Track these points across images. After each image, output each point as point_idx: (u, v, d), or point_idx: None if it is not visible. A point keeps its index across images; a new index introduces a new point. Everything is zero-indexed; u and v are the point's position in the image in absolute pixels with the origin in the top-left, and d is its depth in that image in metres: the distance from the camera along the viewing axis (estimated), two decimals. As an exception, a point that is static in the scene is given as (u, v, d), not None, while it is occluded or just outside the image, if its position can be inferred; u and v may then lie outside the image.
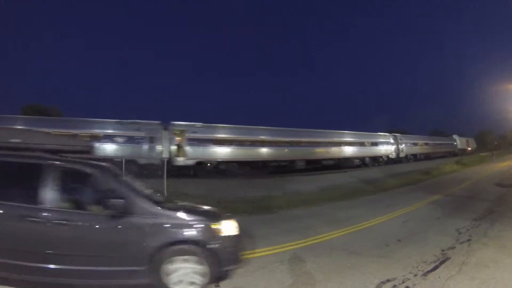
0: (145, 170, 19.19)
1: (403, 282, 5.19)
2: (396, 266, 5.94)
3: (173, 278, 4.64)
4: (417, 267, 5.86)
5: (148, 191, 5.64)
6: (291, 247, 7.36)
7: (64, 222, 4.52)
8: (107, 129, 21.10)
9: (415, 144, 42.94)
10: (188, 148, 22.69)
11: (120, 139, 20.92)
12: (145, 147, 21.68)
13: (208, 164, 23.96)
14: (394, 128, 54.59)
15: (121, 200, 4.61)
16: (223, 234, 5.01)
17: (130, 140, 21.41)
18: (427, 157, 43.28)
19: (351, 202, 14.57)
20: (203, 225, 4.96)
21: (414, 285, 5.08)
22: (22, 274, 4.45)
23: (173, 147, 22.46)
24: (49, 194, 4.62)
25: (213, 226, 5.00)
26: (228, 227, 5.15)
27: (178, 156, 22.32)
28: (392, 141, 38.16)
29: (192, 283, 4.70)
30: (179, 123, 23.37)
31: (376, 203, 14.00)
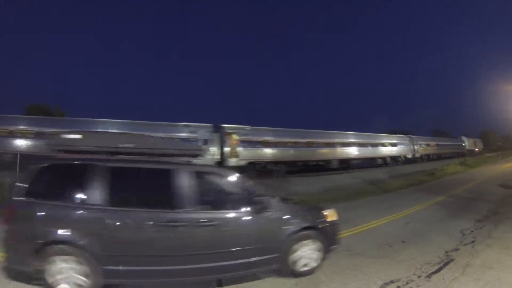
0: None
1: (406, 283, 5.17)
2: (400, 267, 5.92)
3: (297, 259, 5.52)
4: (420, 268, 5.83)
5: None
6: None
7: (210, 222, 4.88)
8: (161, 132, 21.15)
9: (427, 145, 44.23)
10: (240, 150, 23.70)
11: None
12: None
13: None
14: (395, 129, 54.86)
15: (266, 197, 5.33)
16: (329, 219, 6.08)
17: (185, 142, 21.20)
18: (438, 157, 44.53)
19: (355, 203, 14.51)
20: (318, 214, 6.12)
21: (418, 286, 5.06)
22: (174, 277, 4.78)
23: (227, 149, 23.24)
24: (190, 198, 4.91)
25: (324, 213, 6.12)
26: (332, 214, 6.21)
27: (231, 157, 23.14)
28: (407, 142, 39.67)
29: (312, 258, 5.65)
30: (230, 126, 24.14)
31: (379, 204, 13.94)
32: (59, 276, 4.42)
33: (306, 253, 5.60)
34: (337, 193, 16.59)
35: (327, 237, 5.89)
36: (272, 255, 5.26)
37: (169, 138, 19.11)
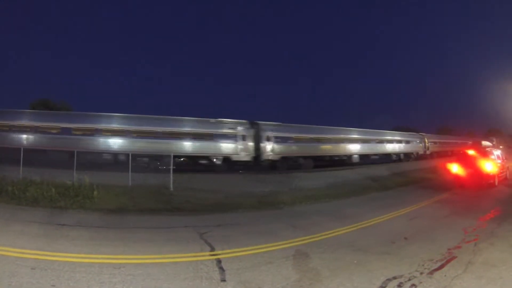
0: (236, 165, 23.17)
1: (409, 279, 5.19)
2: (402, 264, 5.94)
3: None
4: (423, 265, 5.85)
5: None
6: (297, 243, 7.38)
7: None
8: (205, 128, 23.11)
9: (435, 143, 45.71)
10: (275, 145, 25.41)
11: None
12: (240, 144, 23.71)
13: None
14: (398, 126, 55.57)
15: None
16: None
17: (226, 138, 23.48)
18: (448, 154, 44.92)
19: (358, 199, 14.56)
20: None
21: (421, 282, 5.08)
22: None
23: (263, 144, 24.86)
24: None
25: None
26: None
27: (267, 152, 24.94)
28: (419, 140, 41.78)
29: None
30: (265, 123, 25.84)
31: (382, 201, 13.96)
32: None
33: None
34: (340, 189, 16.61)
35: None
36: None
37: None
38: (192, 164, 22.68)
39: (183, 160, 22.76)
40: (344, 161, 30.27)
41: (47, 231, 7.47)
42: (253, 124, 24.99)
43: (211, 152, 22.83)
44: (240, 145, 23.65)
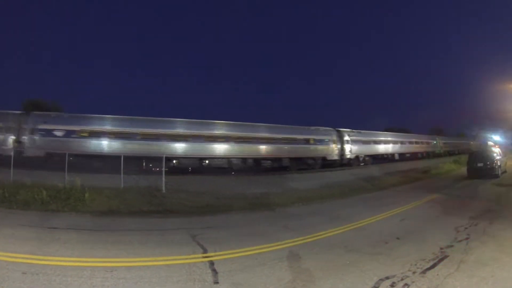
0: (327, 164, 28.23)
1: (401, 279, 5.20)
2: (395, 264, 5.96)
3: None
4: (415, 264, 5.87)
5: None
6: (290, 244, 7.37)
7: None
8: (304, 134, 27.92)
9: (445, 143, 51.19)
10: (352, 147, 30.93)
11: (318, 142, 28.26)
12: (332, 146, 29.09)
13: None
14: (394, 127, 57.43)
15: None
16: None
17: (321, 142, 28.58)
18: (458, 152, 50.63)
19: (350, 199, 14.62)
20: None
21: (413, 282, 5.10)
22: None
23: (346, 146, 30.38)
24: None
25: None
26: None
27: (347, 152, 30.46)
28: (435, 141, 48.10)
29: None
30: (345, 130, 31.21)
31: (374, 201, 14.03)
32: None
33: None
34: (333, 190, 16.68)
35: None
36: None
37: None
38: (300, 164, 26.71)
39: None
40: (388, 159, 36.78)
41: (38, 235, 7.39)
42: (338, 131, 30.29)
43: (312, 155, 27.82)
44: (332, 148, 29.08)
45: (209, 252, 6.61)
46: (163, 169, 15.09)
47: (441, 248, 6.89)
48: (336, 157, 29.22)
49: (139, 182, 14.83)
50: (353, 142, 31.26)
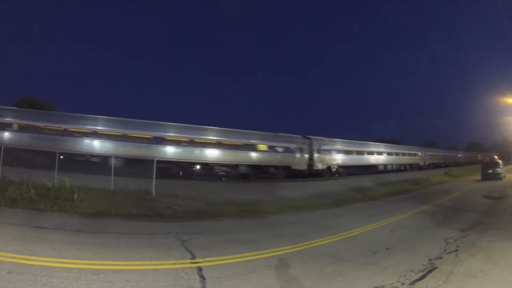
0: (294, 174, 26.43)
1: (390, 290, 5.20)
2: (384, 274, 5.96)
3: None
4: (404, 275, 5.87)
5: None
6: (279, 252, 7.34)
7: None
8: (267, 141, 26.25)
9: (432, 156, 51.20)
10: (323, 156, 29.47)
11: (280, 149, 26.58)
12: (297, 155, 27.45)
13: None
14: (384, 138, 58.67)
15: None
16: None
17: (287, 150, 26.93)
18: (444, 165, 51.72)
19: (340, 209, 14.63)
20: None
21: (402, 293, 5.10)
22: None
23: (316, 155, 28.73)
24: None
25: None
26: None
27: (317, 162, 28.84)
28: (422, 153, 47.78)
29: None
30: (316, 137, 29.68)
31: (365, 211, 14.07)
32: None
33: None
34: (323, 200, 16.68)
35: None
36: None
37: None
38: (261, 172, 25.10)
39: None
40: (375, 169, 36.06)
41: (25, 234, 7.22)
42: (308, 139, 28.84)
43: (273, 163, 26.08)
44: (298, 156, 27.47)
45: (197, 258, 6.54)
46: (154, 172, 14.91)
47: (430, 260, 6.90)
48: (303, 167, 27.52)
49: (129, 184, 14.67)
50: (325, 151, 29.83)
